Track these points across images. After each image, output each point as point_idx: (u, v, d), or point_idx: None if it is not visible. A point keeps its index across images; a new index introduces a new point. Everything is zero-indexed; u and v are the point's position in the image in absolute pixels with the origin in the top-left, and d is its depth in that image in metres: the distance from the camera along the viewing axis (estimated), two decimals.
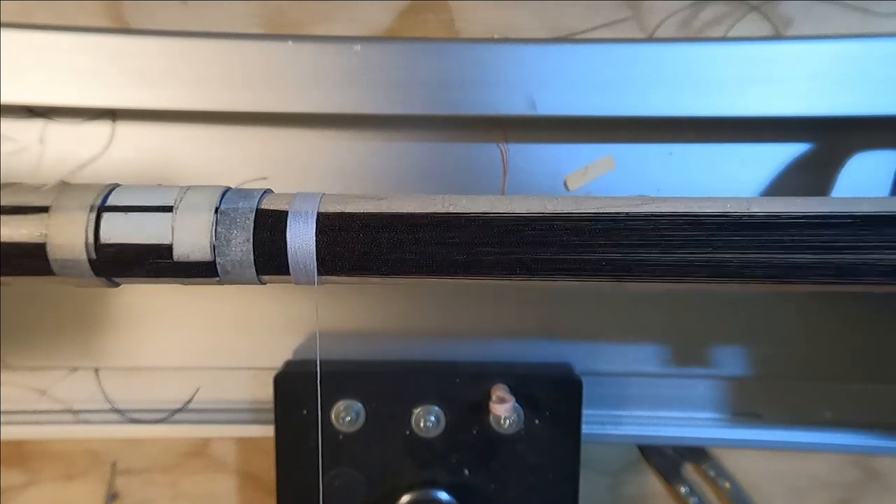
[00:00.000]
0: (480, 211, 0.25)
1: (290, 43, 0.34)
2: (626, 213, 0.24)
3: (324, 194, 0.26)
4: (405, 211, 0.25)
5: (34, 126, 0.37)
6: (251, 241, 0.25)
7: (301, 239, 0.25)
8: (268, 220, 0.25)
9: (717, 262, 0.24)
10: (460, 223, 0.25)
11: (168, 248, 0.25)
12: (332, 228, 0.25)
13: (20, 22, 0.34)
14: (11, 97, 0.33)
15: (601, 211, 0.24)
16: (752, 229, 0.24)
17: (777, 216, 0.24)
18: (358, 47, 0.34)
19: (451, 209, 0.25)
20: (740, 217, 0.24)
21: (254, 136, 0.37)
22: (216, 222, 0.25)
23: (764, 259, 0.24)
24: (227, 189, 0.26)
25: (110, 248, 0.25)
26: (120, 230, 0.24)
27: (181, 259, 0.25)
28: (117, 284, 0.26)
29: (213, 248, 0.25)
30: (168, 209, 0.25)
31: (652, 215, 0.24)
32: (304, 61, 0.34)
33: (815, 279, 0.24)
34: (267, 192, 0.26)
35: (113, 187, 0.26)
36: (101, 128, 0.37)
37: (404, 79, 0.34)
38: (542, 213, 0.25)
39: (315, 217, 0.25)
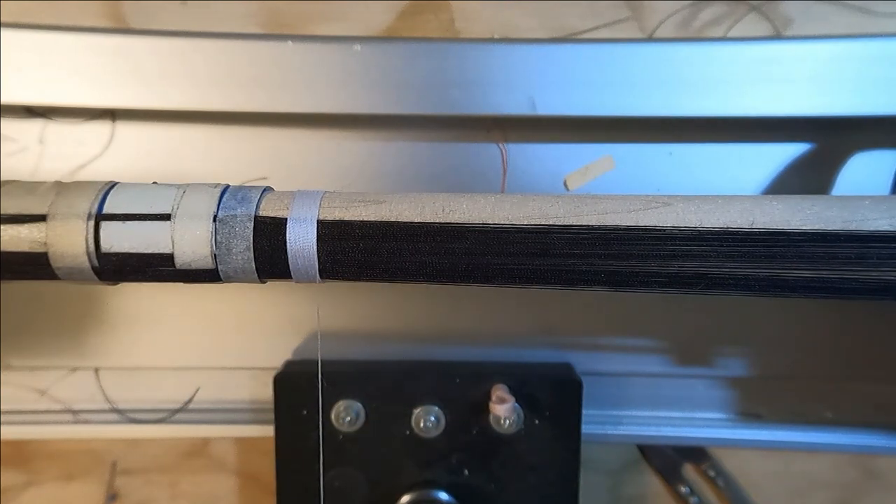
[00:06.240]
0: (480, 221, 0.25)
1: (290, 43, 0.34)
2: (627, 226, 0.24)
3: (324, 194, 0.26)
4: (405, 220, 0.25)
5: (34, 126, 0.37)
6: (251, 249, 0.25)
7: (301, 248, 0.25)
8: (267, 228, 0.25)
9: (717, 275, 0.24)
10: (460, 233, 0.25)
11: (169, 257, 0.25)
12: (332, 237, 0.25)
13: (20, 22, 0.34)
14: (11, 97, 0.33)
15: (601, 224, 0.24)
16: (754, 244, 0.24)
17: (781, 233, 0.24)
18: (358, 47, 0.33)
19: (451, 216, 0.25)
20: (743, 234, 0.24)
21: (254, 136, 0.37)
22: (215, 231, 0.25)
23: (765, 273, 0.24)
24: (225, 189, 0.26)
25: (112, 257, 0.25)
26: (119, 239, 0.24)
27: (183, 267, 0.25)
28: (118, 282, 0.27)
29: (215, 256, 0.25)
30: (166, 217, 0.25)
31: (653, 229, 0.24)
32: (304, 61, 0.34)
33: (815, 294, 0.24)
34: (266, 191, 0.26)
35: (109, 187, 0.26)
36: (101, 128, 0.37)
37: (404, 79, 0.34)
38: (541, 225, 0.24)
39: (315, 225, 0.25)
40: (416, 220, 0.25)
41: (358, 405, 0.37)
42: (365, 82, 0.34)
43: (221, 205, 0.25)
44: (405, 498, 0.37)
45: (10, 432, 0.39)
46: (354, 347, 0.40)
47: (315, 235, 0.25)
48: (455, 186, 0.38)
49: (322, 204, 0.25)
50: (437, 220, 0.25)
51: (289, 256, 0.25)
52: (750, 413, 0.40)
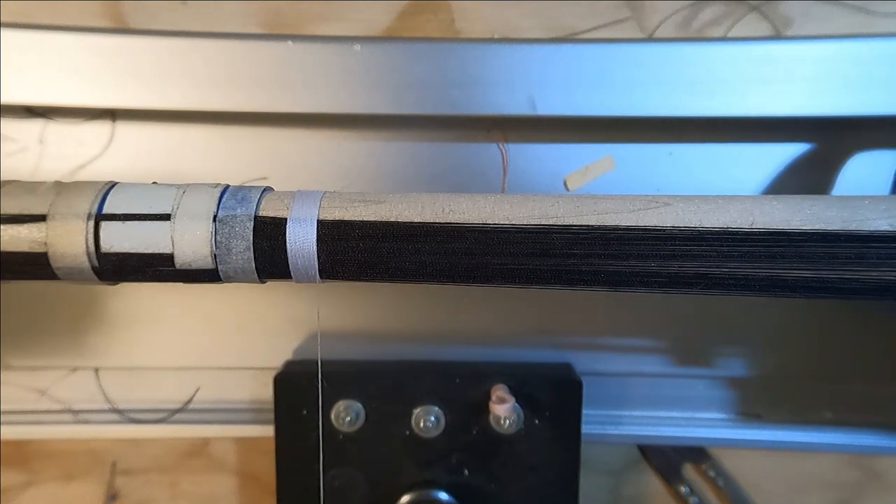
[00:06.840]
0: (480, 221, 0.25)
1: (290, 43, 0.34)
2: (626, 226, 0.24)
3: (324, 194, 0.26)
4: (405, 219, 0.25)
5: (34, 126, 0.37)
6: (251, 249, 0.25)
7: (301, 248, 0.25)
8: (267, 228, 0.25)
9: (717, 275, 0.24)
10: (460, 233, 0.25)
11: (169, 257, 0.25)
12: (332, 237, 0.25)
13: (20, 22, 0.34)
14: (11, 97, 0.33)
15: (601, 224, 0.24)
16: (754, 244, 0.24)
17: (781, 233, 0.23)
18: (358, 47, 0.34)
19: (451, 216, 0.25)
20: (743, 234, 0.24)
21: (254, 136, 0.37)
22: (215, 231, 0.25)
23: (765, 273, 0.24)
24: (225, 189, 0.26)
25: (112, 257, 0.25)
26: (119, 239, 0.24)
27: (183, 267, 0.25)
28: (118, 282, 0.27)
29: (215, 256, 0.25)
30: (166, 217, 0.25)
31: (653, 229, 0.24)
32: (304, 61, 0.34)
33: (815, 294, 0.24)
34: (266, 191, 0.26)
35: (109, 187, 0.26)
36: (101, 128, 0.37)
37: (404, 79, 0.34)
38: (541, 225, 0.24)
39: (315, 225, 0.25)
40: (416, 220, 0.25)
41: (358, 405, 0.37)
42: (365, 82, 0.34)
43: (221, 205, 0.25)
44: (405, 498, 0.37)
45: (10, 432, 0.39)
46: (354, 347, 0.40)
47: (315, 235, 0.25)
48: (455, 186, 0.38)
49: (322, 204, 0.25)
50: (437, 220, 0.25)
51: (289, 256, 0.25)
52: (750, 413, 0.40)
